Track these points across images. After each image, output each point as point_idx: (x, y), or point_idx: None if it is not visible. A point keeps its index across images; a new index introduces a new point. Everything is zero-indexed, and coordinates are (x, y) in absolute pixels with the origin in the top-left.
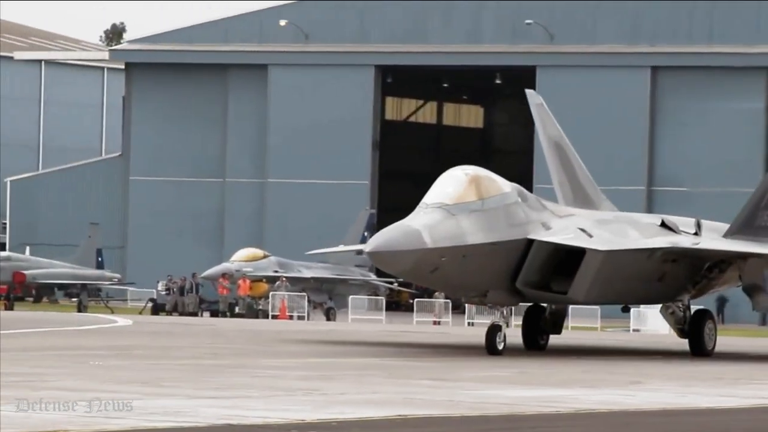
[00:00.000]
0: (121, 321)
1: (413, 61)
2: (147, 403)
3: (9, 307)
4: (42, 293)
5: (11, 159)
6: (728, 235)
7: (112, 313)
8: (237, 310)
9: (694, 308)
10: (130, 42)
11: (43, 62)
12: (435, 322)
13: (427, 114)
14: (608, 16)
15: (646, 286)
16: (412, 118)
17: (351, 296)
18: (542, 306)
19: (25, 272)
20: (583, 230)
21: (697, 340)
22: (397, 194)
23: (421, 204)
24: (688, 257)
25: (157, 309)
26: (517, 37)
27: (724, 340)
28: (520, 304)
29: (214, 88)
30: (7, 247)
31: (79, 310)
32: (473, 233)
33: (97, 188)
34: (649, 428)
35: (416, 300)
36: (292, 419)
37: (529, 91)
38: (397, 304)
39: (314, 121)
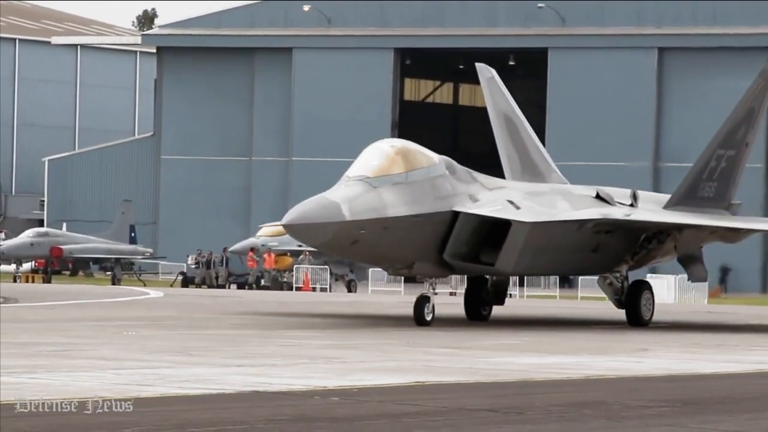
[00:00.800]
0: (153, 293)
1: (430, 44)
2: (178, 371)
3: (47, 280)
4: (78, 267)
5: (49, 139)
6: (669, 206)
7: (145, 285)
8: (263, 282)
9: (632, 279)
10: (161, 27)
11: (78, 47)
12: (451, 293)
13: (444, 94)
14: (616, 0)
15: (580, 257)
16: (430, 99)
17: (371, 269)
18: (485, 278)
19: (62, 247)
20: (511, 202)
21: (634, 311)
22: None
23: (343, 177)
24: (623, 228)
25: (187, 282)
26: (529, 20)
27: (724, 308)
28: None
29: (241, 71)
30: (45, 223)
31: (113, 283)
32: (395, 206)
33: (130, 167)
34: (656, 393)
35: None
36: (315, 386)
37: (479, 65)
38: (414, 277)
39: (336, 102)
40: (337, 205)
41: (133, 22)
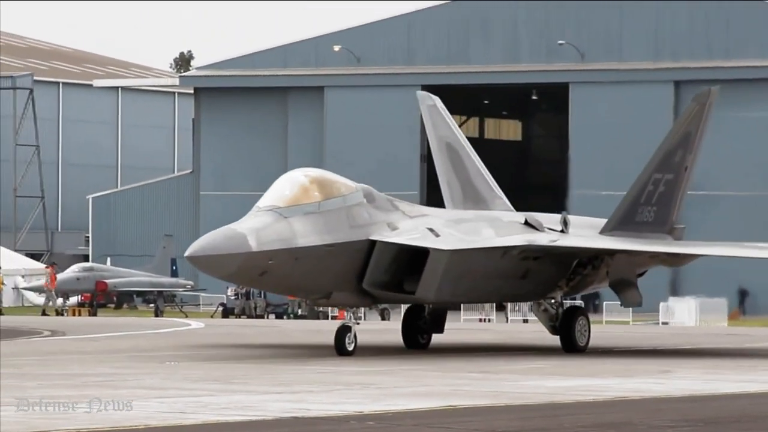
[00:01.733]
0: (194, 324)
1: (456, 81)
2: (219, 399)
3: (93, 313)
4: (122, 300)
5: (93, 178)
6: (605, 231)
7: (186, 317)
8: (300, 312)
9: (567, 305)
10: (197, 69)
11: (119, 89)
12: (481, 320)
13: (470, 128)
14: (633, 36)
15: (508, 284)
16: None
17: None
18: (422, 306)
19: (106, 281)
20: (431, 230)
21: (568, 337)
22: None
23: (254, 207)
24: (552, 255)
25: (227, 312)
26: (551, 57)
27: (742, 330)
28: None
29: (275, 109)
30: (90, 258)
31: (156, 315)
32: (306, 235)
33: (170, 203)
34: (678, 413)
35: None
36: (351, 411)
37: (420, 93)
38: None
39: (367, 137)
40: (243, 236)
41: (171, 64)
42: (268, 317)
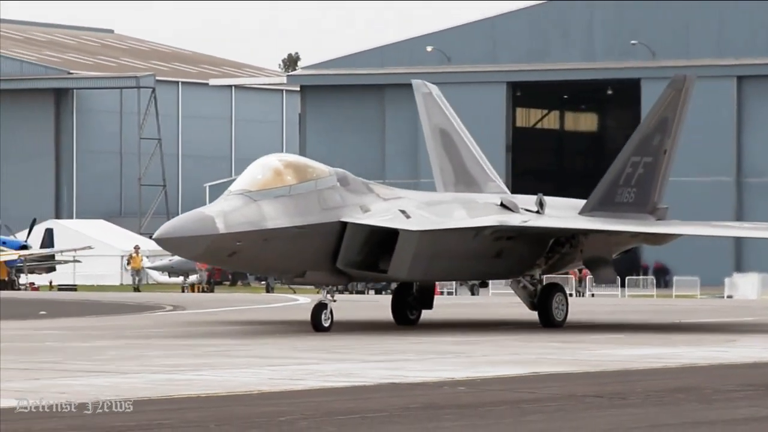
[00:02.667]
0: (302, 299)
1: (538, 77)
2: (324, 367)
3: (210, 290)
4: (237, 278)
5: (209, 168)
6: (584, 212)
7: (294, 293)
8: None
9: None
10: (304, 68)
11: (233, 87)
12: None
13: (551, 121)
14: (699, 35)
15: (482, 263)
16: (539, 125)
17: None
18: (410, 284)
19: None
20: (403, 212)
21: (545, 312)
22: (527, 189)
23: (225, 192)
24: (526, 234)
25: (344, 289)
26: (624, 55)
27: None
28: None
29: (373, 105)
30: None
31: (267, 291)
32: (275, 218)
33: None
34: (743, 378)
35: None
36: (444, 377)
37: (415, 82)
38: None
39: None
40: (211, 219)
41: (280, 64)
42: (367, 292)
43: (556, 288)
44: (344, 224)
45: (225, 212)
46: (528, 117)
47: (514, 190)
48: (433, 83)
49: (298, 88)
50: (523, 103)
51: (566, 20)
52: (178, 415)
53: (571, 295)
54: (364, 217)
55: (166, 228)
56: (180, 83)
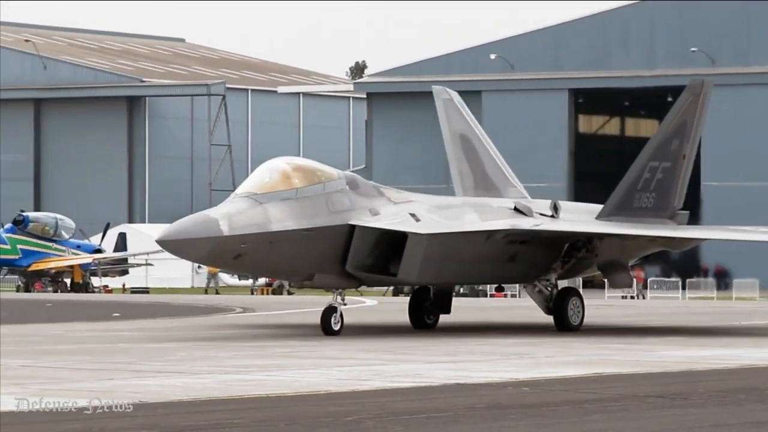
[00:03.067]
0: (368, 302)
1: (599, 85)
2: (390, 368)
3: (278, 292)
4: None
5: None
6: (601, 217)
7: (361, 295)
8: (461, 290)
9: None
10: (370, 76)
11: (301, 94)
12: (623, 296)
13: (612, 127)
14: (758, 43)
15: (495, 266)
16: (600, 131)
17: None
18: (427, 288)
19: None
20: (413, 215)
21: (561, 316)
22: (589, 192)
23: (232, 195)
24: (540, 238)
25: (397, 291)
26: (684, 62)
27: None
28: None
29: (436, 111)
30: None
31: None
32: (281, 220)
33: None
34: None
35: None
36: (508, 378)
37: (436, 88)
38: (591, 282)
39: (520, 136)
40: (215, 221)
41: (347, 72)
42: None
43: (571, 292)
44: (353, 227)
45: (230, 215)
46: (590, 123)
47: (577, 193)
48: (496, 90)
49: (365, 96)
50: (586, 110)
51: (627, 29)
52: (248, 415)
53: (633, 297)
54: (373, 220)
55: (169, 230)
56: (249, 91)
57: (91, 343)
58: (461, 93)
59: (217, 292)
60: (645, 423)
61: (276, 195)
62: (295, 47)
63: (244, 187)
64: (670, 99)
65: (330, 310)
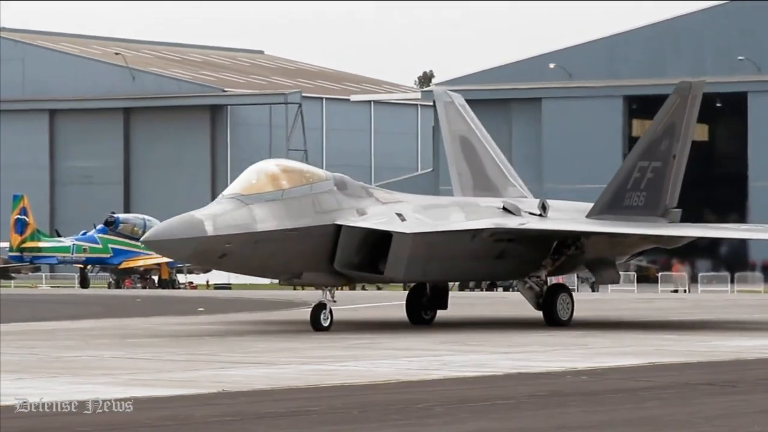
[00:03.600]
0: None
1: (652, 91)
2: (458, 358)
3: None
4: None
5: (350, 176)
6: (591, 215)
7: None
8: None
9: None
10: (437, 84)
11: (372, 102)
12: (674, 291)
13: None
14: None
15: (483, 264)
16: None
17: None
18: (424, 284)
19: None
20: (399, 215)
21: (550, 312)
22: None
23: (219, 196)
24: (527, 236)
25: (463, 286)
26: (732, 70)
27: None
28: None
29: (500, 117)
30: None
31: (404, 289)
32: (266, 221)
33: None
34: None
35: (660, 273)
36: (568, 367)
37: (436, 90)
38: (646, 278)
39: (577, 139)
40: (200, 222)
41: (415, 81)
42: (495, 290)
43: (561, 288)
44: (340, 227)
45: (215, 215)
46: (643, 128)
47: None
48: (555, 98)
49: (432, 103)
50: (639, 115)
51: (678, 39)
52: (324, 403)
53: (685, 291)
54: (359, 219)
55: (155, 231)
56: (324, 99)
57: (177, 336)
58: (522, 100)
59: (294, 288)
60: (697, 408)
61: (262, 196)
62: (367, 58)
63: (232, 189)
64: (719, 104)
65: (319, 307)
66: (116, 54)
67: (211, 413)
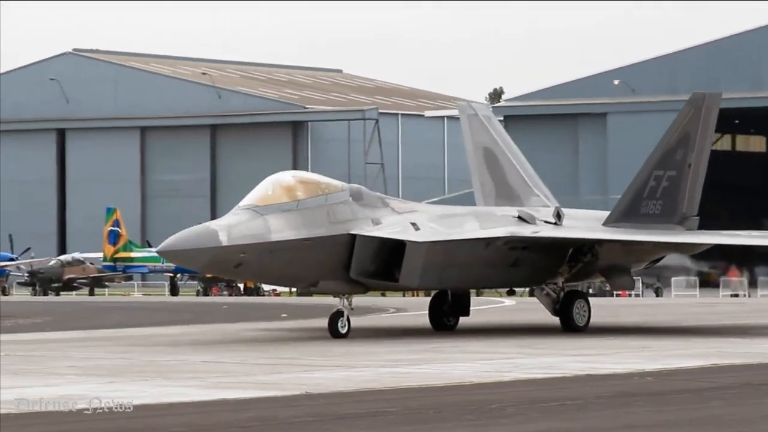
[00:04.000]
0: (507, 302)
1: None
2: (528, 361)
3: (427, 293)
4: None
5: (425, 188)
6: (607, 223)
7: (500, 296)
8: (590, 291)
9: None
10: (507, 100)
11: (445, 118)
12: (733, 295)
13: (724, 143)
14: None
15: (498, 272)
16: (713, 147)
17: (673, 278)
18: (446, 291)
19: None
20: (413, 224)
21: (567, 318)
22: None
23: (235, 207)
24: (542, 245)
25: (532, 293)
26: None
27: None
28: None
29: (566, 132)
30: None
31: (477, 294)
32: (281, 231)
33: None
34: None
35: (721, 279)
36: (634, 369)
37: (460, 104)
38: (707, 283)
39: (641, 153)
40: (214, 232)
41: (486, 97)
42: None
43: (577, 295)
44: (355, 236)
45: (230, 226)
46: None
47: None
48: (619, 112)
49: (502, 118)
50: None
51: (736, 55)
52: (401, 404)
53: (746, 295)
54: (374, 229)
55: (170, 241)
56: (399, 115)
57: (262, 341)
58: (588, 115)
59: (383, 294)
60: (759, 408)
61: (277, 207)
62: (441, 76)
63: (247, 200)
64: None
65: (337, 314)
66: (203, 74)
67: (294, 414)
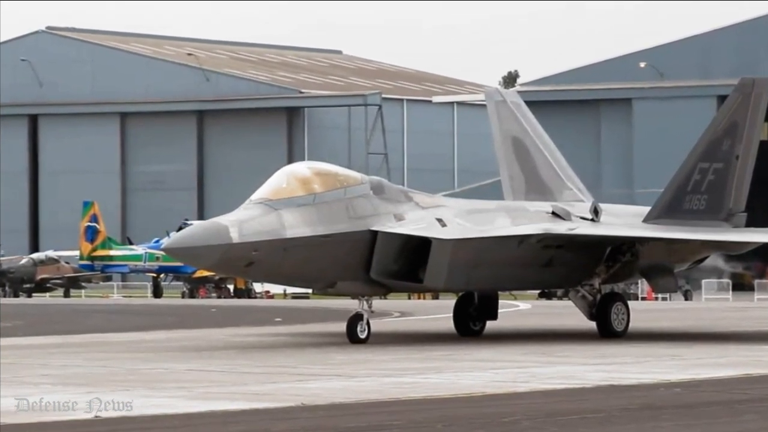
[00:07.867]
0: (522, 305)
1: None
2: (545, 370)
3: (435, 296)
4: None
5: (433, 180)
6: (648, 220)
7: (515, 299)
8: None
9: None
10: (522, 85)
11: (455, 104)
12: None
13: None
14: None
15: (530, 272)
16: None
17: (703, 280)
18: (472, 293)
19: None
20: (439, 220)
21: (604, 323)
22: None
23: (246, 201)
24: (579, 243)
25: (550, 294)
26: None
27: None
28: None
29: (589, 119)
30: None
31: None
32: (296, 227)
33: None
34: None
35: (756, 281)
36: (660, 379)
37: (488, 90)
38: (741, 285)
39: (669, 140)
40: (225, 228)
41: (499, 81)
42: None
43: (615, 297)
44: (376, 233)
45: (241, 221)
46: None
47: None
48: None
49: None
50: None
51: None
52: (406, 417)
53: None
54: (397, 225)
55: (177, 238)
56: (405, 101)
57: (254, 347)
58: (611, 101)
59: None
60: None
61: (292, 201)
62: (449, 58)
63: (260, 194)
64: None
65: (356, 318)
66: (189, 54)
67: (289, 428)
